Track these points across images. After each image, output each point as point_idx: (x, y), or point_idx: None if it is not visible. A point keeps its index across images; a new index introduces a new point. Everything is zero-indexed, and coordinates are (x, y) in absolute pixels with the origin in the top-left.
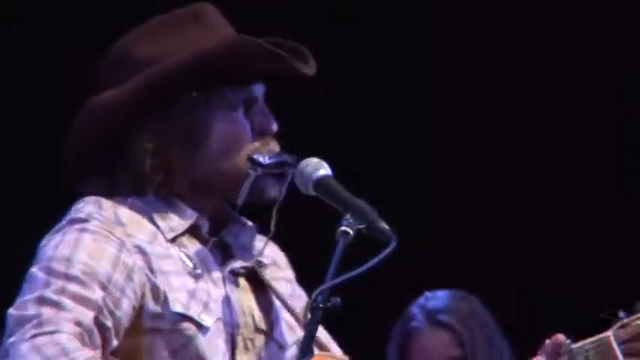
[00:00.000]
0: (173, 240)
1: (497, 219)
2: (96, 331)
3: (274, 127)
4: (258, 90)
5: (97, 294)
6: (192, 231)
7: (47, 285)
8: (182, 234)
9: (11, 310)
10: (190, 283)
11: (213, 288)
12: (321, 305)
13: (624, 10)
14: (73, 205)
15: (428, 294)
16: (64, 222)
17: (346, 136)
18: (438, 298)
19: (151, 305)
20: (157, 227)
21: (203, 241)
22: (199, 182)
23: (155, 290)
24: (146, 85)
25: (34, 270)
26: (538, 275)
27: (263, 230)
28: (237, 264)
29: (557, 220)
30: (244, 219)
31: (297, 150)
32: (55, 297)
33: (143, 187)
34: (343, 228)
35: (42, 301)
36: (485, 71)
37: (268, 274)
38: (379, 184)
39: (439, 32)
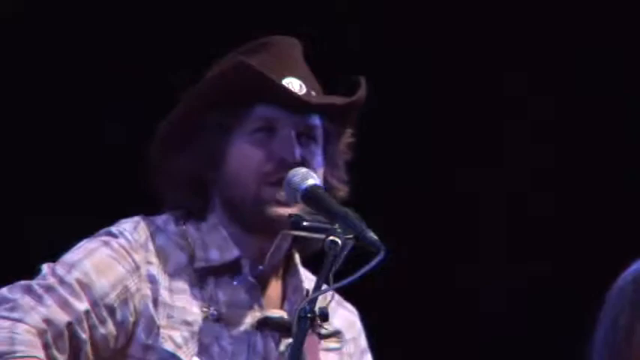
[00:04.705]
0: (203, 272)
1: (498, 220)
2: (66, 336)
3: (294, 156)
4: (287, 119)
5: (82, 305)
6: (232, 267)
7: (42, 279)
8: (217, 268)
9: (4, 288)
10: (198, 322)
11: (229, 331)
12: (309, 315)
13: (624, 10)
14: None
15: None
16: (102, 230)
17: None
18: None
19: (143, 336)
20: (194, 256)
21: (242, 280)
22: (228, 208)
23: (150, 322)
24: (178, 110)
25: (44, 265)
26: (538, 276)
27: None
28: (277, 314)
29: (559, 221)
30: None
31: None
32: (40, 291)
33: (182, 207)
34: (332, 238)
35: (28, 290)
36: (485, 71)
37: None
38: (379, 185)
39: (439, 32)
